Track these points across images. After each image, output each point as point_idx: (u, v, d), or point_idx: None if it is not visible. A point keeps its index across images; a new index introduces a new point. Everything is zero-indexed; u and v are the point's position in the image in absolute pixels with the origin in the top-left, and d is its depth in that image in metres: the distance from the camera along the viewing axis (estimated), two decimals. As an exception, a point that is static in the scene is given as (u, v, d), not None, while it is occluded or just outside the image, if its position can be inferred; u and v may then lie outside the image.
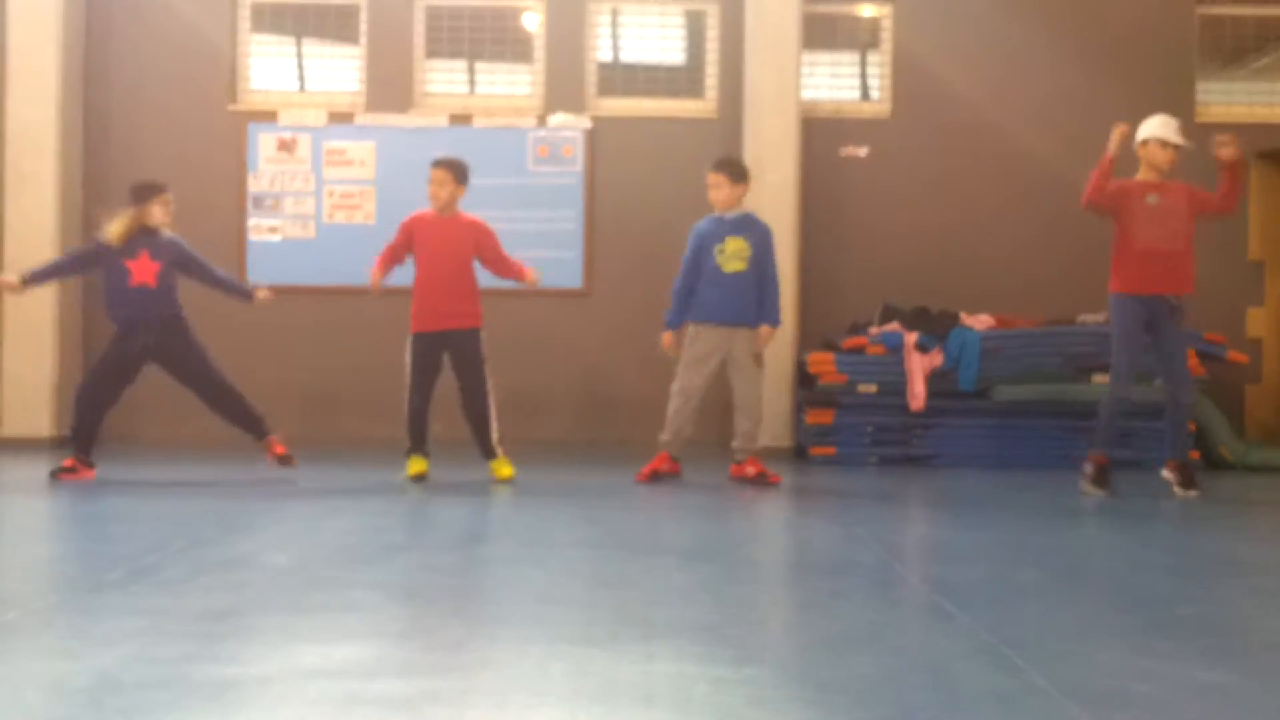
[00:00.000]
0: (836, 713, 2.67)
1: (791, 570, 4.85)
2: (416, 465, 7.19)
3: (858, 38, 10.10)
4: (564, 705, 2.70)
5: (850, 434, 8.73)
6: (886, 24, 9.89)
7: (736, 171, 7.34)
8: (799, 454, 8.96)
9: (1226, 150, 6.91)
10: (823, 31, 9.91)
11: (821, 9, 9.81)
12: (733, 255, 7.23)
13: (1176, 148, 7.00)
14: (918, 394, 8.57)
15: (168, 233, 7.19)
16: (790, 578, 4.64)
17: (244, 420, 7.22)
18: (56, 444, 9.09)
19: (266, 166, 9.67)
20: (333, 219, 9.62)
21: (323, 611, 3.64)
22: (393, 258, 7.27)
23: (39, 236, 9.21)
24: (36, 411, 9.18)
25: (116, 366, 7.06)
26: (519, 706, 2.69)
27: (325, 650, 3.15)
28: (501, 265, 7.32)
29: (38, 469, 7.66)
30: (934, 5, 9.76)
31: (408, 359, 7.21)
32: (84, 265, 7.34)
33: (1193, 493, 6.95)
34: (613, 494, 6.76)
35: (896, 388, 8.64)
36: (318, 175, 9.63)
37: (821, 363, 8.71)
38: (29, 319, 9.18)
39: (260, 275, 9.65)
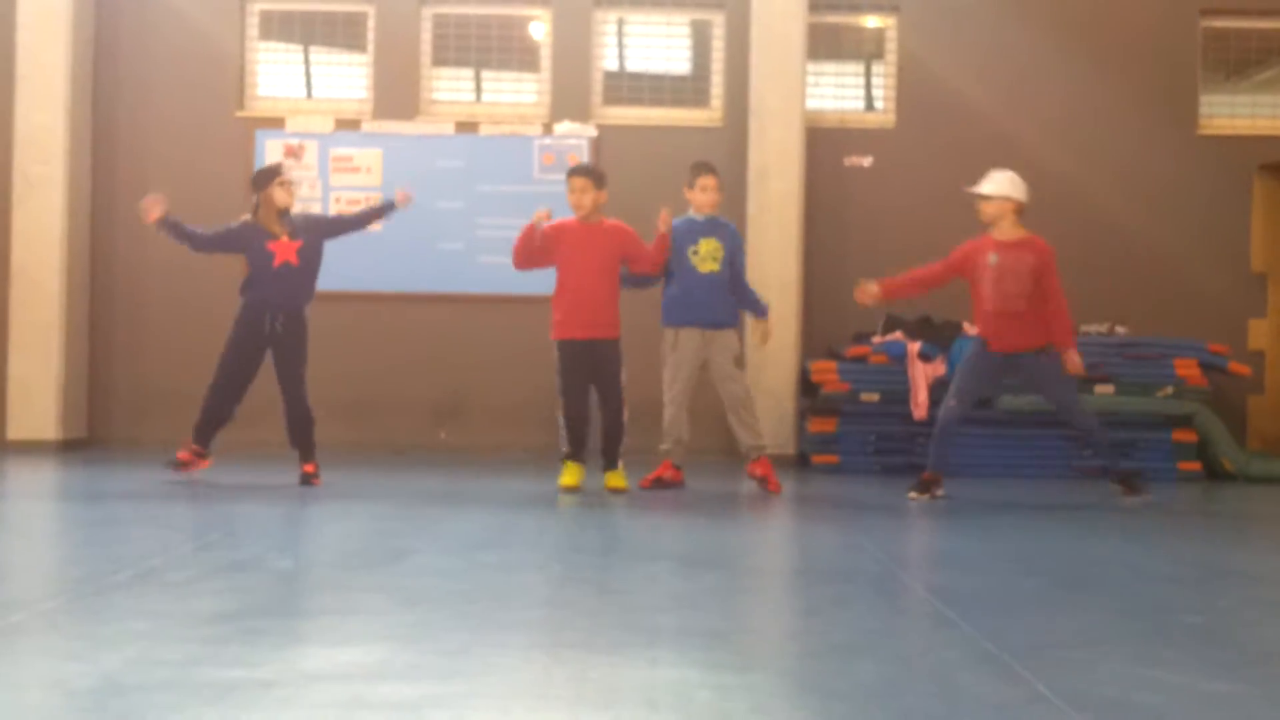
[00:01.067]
0: None
1: (794, 577, 4.85)
2: (571, 475, 7.10)
3: (862, 48, 10.12)
4: (567, 711, 2.71)
5: (853, 442, 8.74)
6: (891, 34, 9.91)
7: (719, 178, 7.46)
8: (802, 462, 8.97)
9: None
10: (828, 41, 9.93)
11: (827, 19, 9.83)
12: (707, 256, 7.28)
13: (983, 198, 7.10)
14: (921, 403, 8.58)
15: (297, 211, 7.34)
16: (793, 585, 4.65)
17: (303, 440, 7.23)
18: (62, 447, 9.11)
19: (273, 172, 9.69)
20: (339, 225, 9.64)
21: (327, 615, 3.65)
22: (531, 252, 7.15)
23: (47, 240, 9.24)
24: (43, 415, 9.20)
25: (244, 353, 7.12)
26: (522, 711, 2.69)
27: (329, 653, 3.16)
28: (645, 256, 7.26)
29: (44, 472, 7.69)
30: (938, 16, 9.78)
31: (557, 368, 7.16)
32: (227, 241, 7.25)
33: (1143, 498, 7.03)
34: (616, 500, 6.76)
35: (899, 397, 8.65)
36: (324, 182, 9.66)
37: (824, 371, 8.72)
38: (36, 323, 9.20)
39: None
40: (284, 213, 7.20)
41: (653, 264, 7.29)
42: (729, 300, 7.32)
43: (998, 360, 7.06)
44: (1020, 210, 7.11)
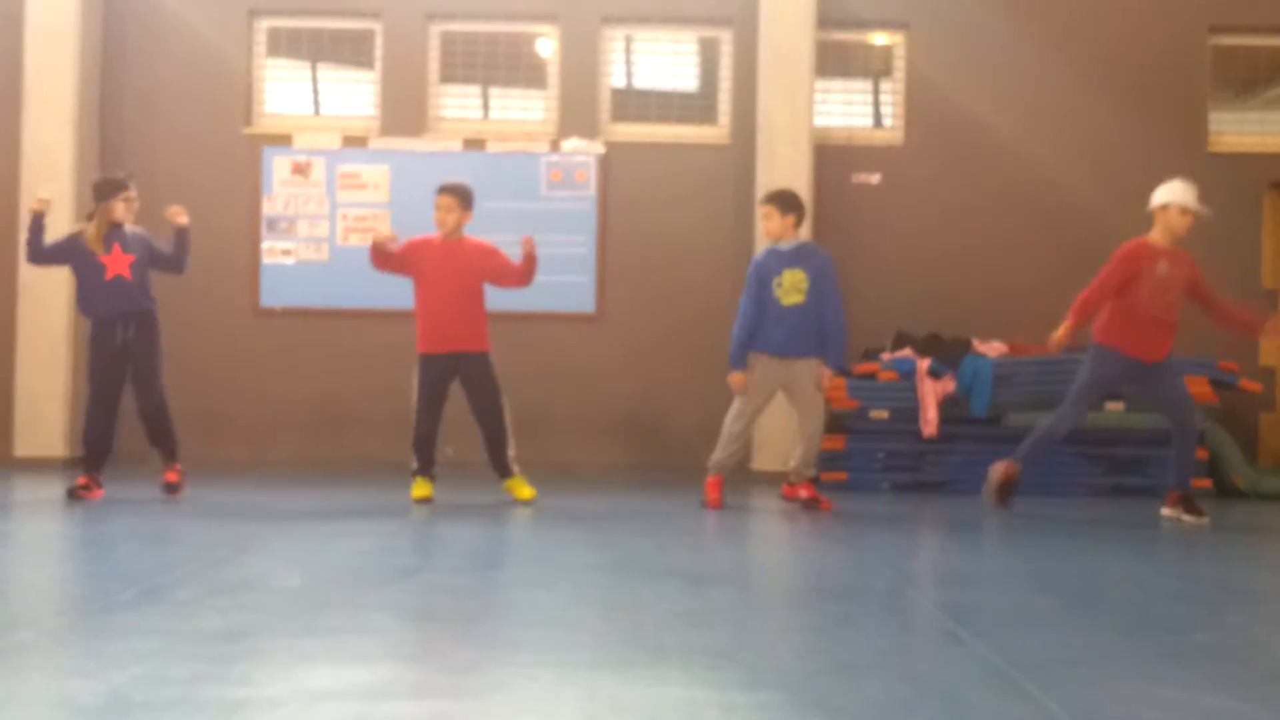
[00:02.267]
0: (848, 738, 2.67)
1: (803, 595, 4.84)
2: (422, 488, 7.22)
3: (870, 65, 10.13)
4: (575, 728, 2.70)
5: (862, 460, 8.72)
6: (900, 52, 9.93)
7: (786, 202, 7.26)
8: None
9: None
10: (836, 59, 9.95)
11: (835, 36, 9.84)
12: (790, 288, 7.15)
13: (1195, 214, 7.02)
14: (930, 420, 8.56)
15: (134, 227, 7.27)
16: (802, 602, 4.63)
17: (163, 440, 7.24)
18: (70, 464, 9.11)
19: (281, 189, 9.72)
20: (346, 242, 9.66)
21: (334, 633, 3.64)
22: (387, 257, 7.25)
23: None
24: (51, 432, 9.21)
25: (106, 373, 7.12)
26: (530, 729, 2.69)
27: (336, 672, 3.15)
28: (512, 273, 7.32)
29: (51, 489, 7.69)
30: (946, 33, 9.79)
31: (414, 381, 7.23)
32: (60, 253, 7.21)
33: (1204, 519, 7.01)
34: (625, 517, 6.75)
35: (909, 414, 8.63)
36: (332, 198, 9.68)
37: (834, 388, 8.70)
38: (43, 340, 9.22)
39: (273, 298, 9.70)
40: (119, 226, 7.14)
41: (520, 280, 7.32)
42: (815, 331, 7.15)
43: (1131, 367, 7.04)
44: None
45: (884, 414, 8.67)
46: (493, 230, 9.59)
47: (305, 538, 5.86)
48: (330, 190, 9.66)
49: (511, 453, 7.29)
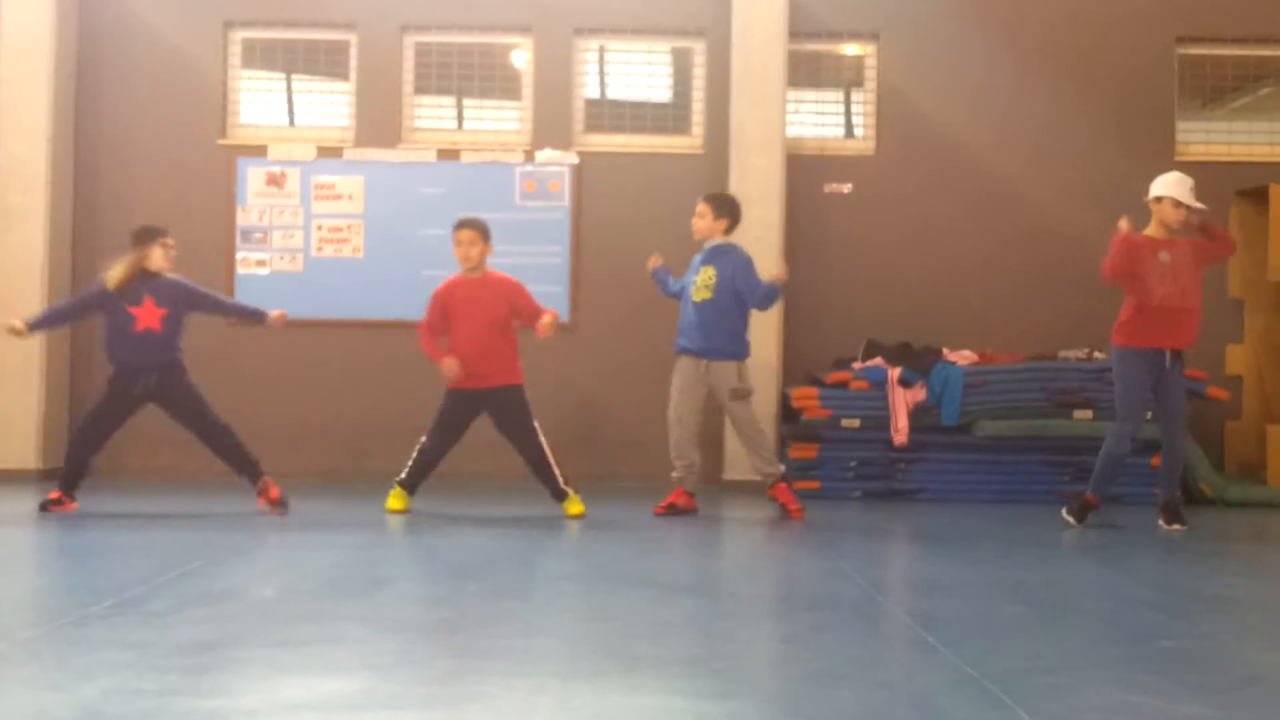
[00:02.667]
0: (820, 745, 2.69)
1: (776, 604, 4.86)
2: (399, 500, 7.25)
3: (842, 75, 10.19)
4: (549, 738, 2.72)
5: (834, 468, 8.76)
6: (871, 62, 9.99)
7: (721, 205, 7.48)
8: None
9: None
10: (808, 69, 10.00)
11: (807, 47, 9.90)
12: (701, 285, 7.34)
13: (1189, 209, 7.11)
14: (901, 429, 8.61)
15: (170, 275, 7.18)
16: (775, 611, 4.65)
17: (240, 462, 7.21)
18: (43, 477, 9.06)
19: (256, 200, 9.70)
20: (321, 252, 9.64)
21: (309, 644, 3.65)
22: (433, 332, 7.31)
23: (28, 272, 9.22)
24: (24, 445, 9.15)
25: (114, 410, 7.09)
26: (504, 739, 2.70)
27: (311, 683, 3.16)
28: (533, 318, 7.31)
29: (24, 502, 7.65)
30: (917, 44, 9.85)
31: (439, 407, 7.26)
32: (86, 309, 7.30)
33: (1177, 527, 7.09)
34: (599, 527, 6.77)
35: (880, 423, 8.68)
36: (306, 209, 9.66)
37: (805, 398, 8.75)
38: (15, 354, 9.15)
39: (247, 308, 9.67)
40: (154, 275, 7.07)
41: (539, 330, 7.26)
42: (726, 328, 7.30)
43: (1154, 358, 7.09)
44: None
45: (855, 423, 8.71)
46: (467, 240, 9.63)
47: (279, 549, 5.86)
48: (305, 201, 9.65)
49: (560, 478, 7.24)
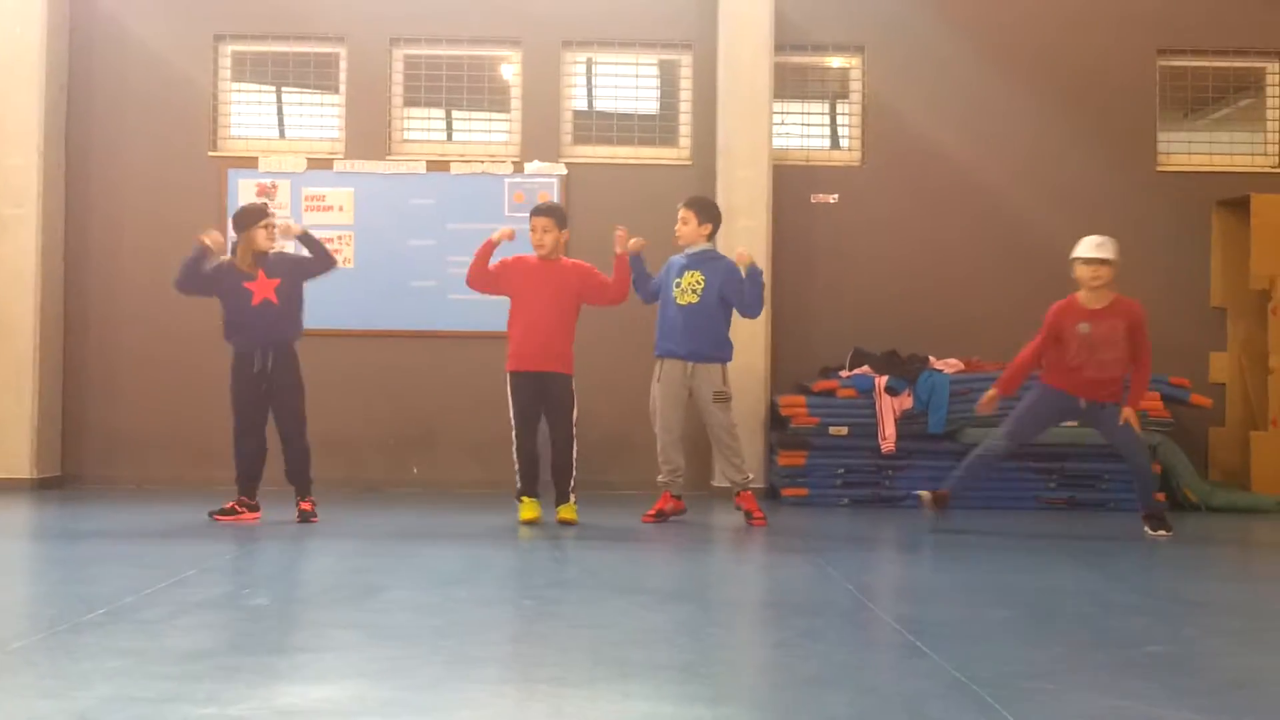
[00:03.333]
0: (810, 748, 2.72)
1: (766, 610, 4.89)
2: (529, 510, 7.24)
3: (828, 87, 10.25)
4: (543, 742, 2.74)
5: (822, 476, 8.80)
6: (856, 74, 10.05)
7: (704, 211, 7.57)
8: (771, 495, 9.01)
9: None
10: (794, 81, 10.05)
11: (793, 59, 9.95)
12: (687, 288, 7.39)
13: (1101, 262, 7.18)
14: (888, 436, 8.65)
15: (275, 251, 7.34)
16: (765, 618, 4.68)
17: (298, 476, 7.28)
18: (38, 486, 9.06)
19: (245, 212, 9.71)
20: (311, 264, 9.66)
21: (301, 651, 3.67)
22: (486, 274, 7.36)
23: (20, 280, 9.22)
24: (17, 454, 9.13)
25: (245, 395, 7.17)
26: (498, 743, 2.73)
27: (303, 690, 3.18)
28: (607, 288, 7.41)
29: (18, 512, 7.66)
30: (902, 56, 9.92)
31: (509, 400, 7.31)
32: (207, 283, 7.25)
33: (1163, 533, 7.16)
34: (589, 534, 6.79)
35: (867, 430, 8.72)
36: (297, 220, 9.67)
37: (793, 405, 8.79)
38: (9, 362, 9.15)
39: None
40: (263, 255, 7.24)
41: (617, 293, 7.45)
42: (712, 333, 7.39)
43: (1069, 405, 7.23)
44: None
45: (843, 430, 8.75)
46: (456, 251, 9.65)
47: (272, 557, 5.87)
48: (295, 212, 9.66)
49: (572, 483, 7.31)
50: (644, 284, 7.64)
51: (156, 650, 3.60)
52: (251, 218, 7.27)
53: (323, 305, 9.51)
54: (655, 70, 10.17)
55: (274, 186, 9.69)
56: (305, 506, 7.23)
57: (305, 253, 7.46)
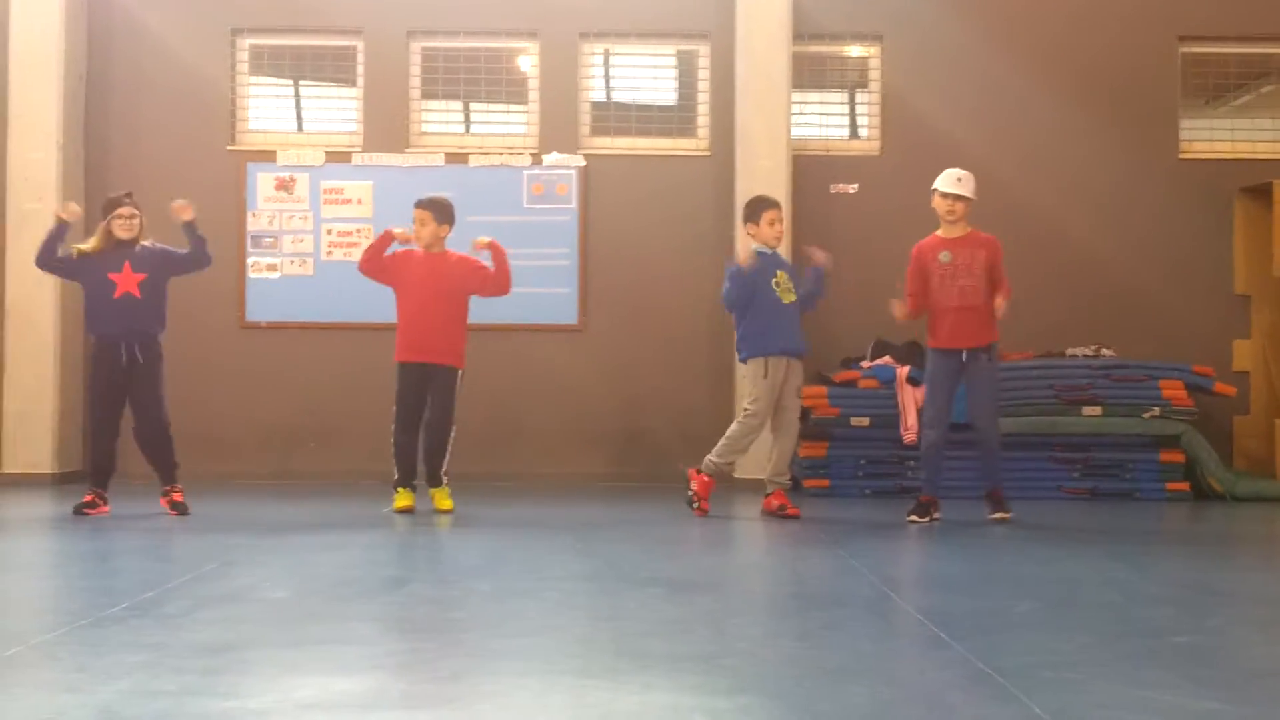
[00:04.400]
0: (832, 740, 2.71)
1: (787, 601, 4.88)
2: (403, 499, 7.30)
3: (846, 77, 10.21)
4: (563, 734, 2.74)
5: (843, 467, 8.77)
6: (875, 63, 10.00)
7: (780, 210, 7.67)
8: (793, 486, 8.97)
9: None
10: (812, 71, 10.01)
11: (811, 49, 9.91)
12: (785, 287, 7.42)
13: (956, 198, 7.27)
14: (910, 427, 8.61)
15: (147, 242, 7.28)
16: (786, 609, 4.67)
17: (162, 463, 7.25)
18: (59, 480, 9.10)
19: (265, 205, 9.74)
20: (331, 257, 9.68)
21: (321, 644, 3.67)
22: (378, 262, 7.44)
23: (40, 276, 9.20)
24: (39, 449, 9.19)
25: (105, 388, 7.14)
26: (519, 736, 2.72)
27: (324, 682, 3.18)
28: (489, 280, 7.44)
29: (40, 506, 7.70)
30: (921, 45, 9.87)
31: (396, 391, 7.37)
32: (66, 265, 7.27)
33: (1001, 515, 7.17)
34: (608, 527, 6.79)
35: (889, 421, 8.69)
36: (316, 214, 9.70)
37: (814, 397, 8.75)
38: (30, 358, 9.20)
39: (259, 313, 9.70)
40: (125, 244, 7.16)
41: (497, 285, 7.45)
42: (802, 330, 7.49)
43: (954, 362, 7.20)
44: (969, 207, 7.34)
45: (865, 421, 8.72)
46: (475, 244, 9.66)
47: (291, 551, 5.88)
48: (314, 206, 9.68)
49: (445, 465, 7.38)
50: (748, 286, 7.45)
51: (178, 644, 3.61)
52: (108, 208, 7.25)
53: (343, 299, 9.54)
54: (673, 61, 10.14)
55: (293, 180, 9.71)
56: (178, 497, 7.17)
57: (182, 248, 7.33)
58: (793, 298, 7.41)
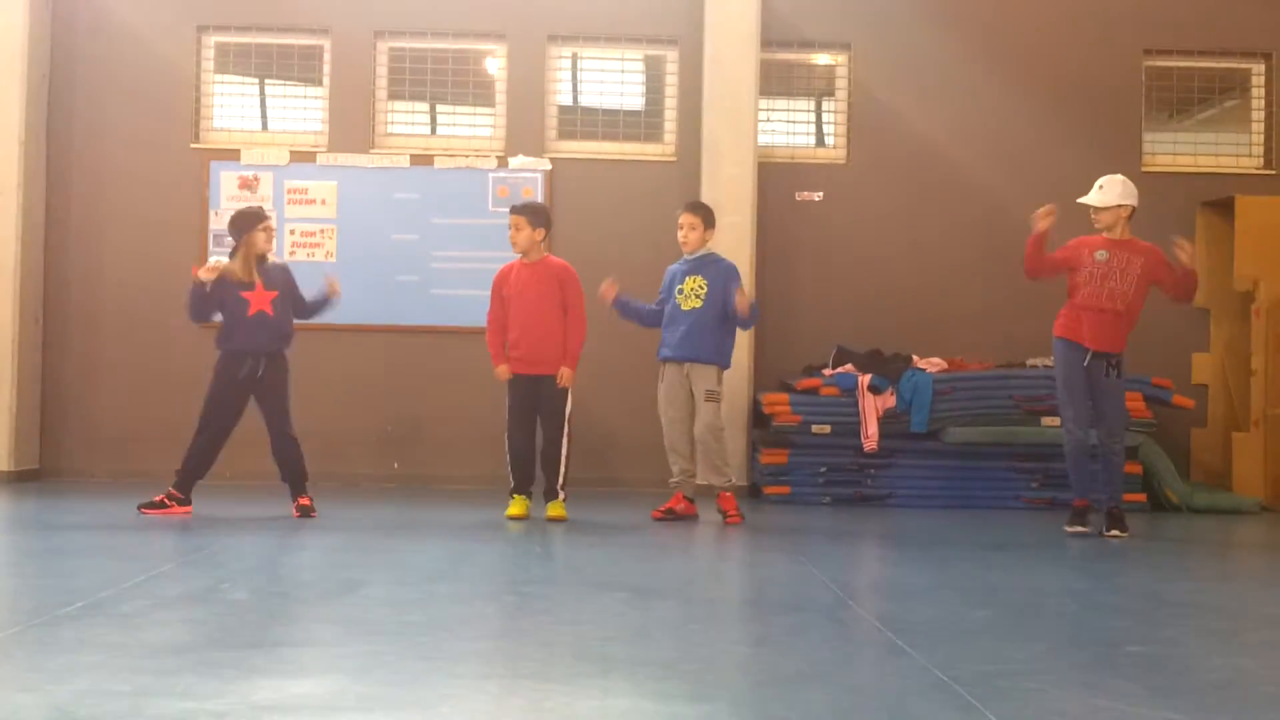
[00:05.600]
0: (791, 746, 2.71)
1: (747, 608, 4.89)
2: (516, 506, 7.29)
3: (814, 85, 10.25)
4: (522, 738, 2.73)
5: (804, 474, 8.80)
6: (842, 71, 10.05)
7: (708, 216, 7.66)
8: (754, 493, 9.02)
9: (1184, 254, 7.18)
10: (780, 78, 10.05)
11: (778, 56, 9.95)
12: (690, 293, 7.45)
13: (1094, 210, 7.29)
14: (871, 435, 8.65)
15: (275, 259, 7.38)
16: (746, 615, 4.68)
17: (294, 475, 7.26)
18: (14, 479, 9.00)
19: (229, 204, 9.64)
20: (294, 257, 9.61)
21: (280, 646, 3.65)
22: (499, 328, 7.40)
23: (1, 271, 9.17)
24: (-6, 445, 9.11)
25: (224, 398, 7.15)
26: (478, 739, 2.71)
27: (281, 684, 3.17)
28: (575, 310, 7.42)
29: (-10, 504, 7.61)
30: (889, 54, 9.92)
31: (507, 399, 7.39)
32: (213, 304, 7.23)
33: (1116, 533, 7.13)
34: (573, 531, 6.79)
35: (850, 429, 8.72)
36: (279, 213, 9.63)
37: (776, 403, 8.79)
38: (-14, 356, 9.12)
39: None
40: (261, 259, 7.21)
41: (574, 330, 7.42)
42: (713, 336, 7.43)
43: (1088, 360, 7.13)
44: (1131, 215, 7.29)
45: (826, 429, 8.76)
46: (440, 246, 9.64)
47: (251, 551, 5.85)
48: (278, 205, 9.62)
49: (561, 479, 7.32)
50: (643, 317, 7.72)
51: (134, 644, 3.58)
52: (250, 221, 7.23)
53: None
54: (641, 66, 10.16)
55: (256, 179, 9.65)
56: (305, 502, 7.20)
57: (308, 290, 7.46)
58: (695, 304, 7.41)
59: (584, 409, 9.59)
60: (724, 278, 7.45)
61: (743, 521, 7.29)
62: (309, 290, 7.48)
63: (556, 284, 7.37)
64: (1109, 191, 7.29)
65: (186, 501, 7.15)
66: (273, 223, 7.37)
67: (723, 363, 7.52)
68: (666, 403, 7.51)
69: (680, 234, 7.57)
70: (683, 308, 7.46)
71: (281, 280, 7.29)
